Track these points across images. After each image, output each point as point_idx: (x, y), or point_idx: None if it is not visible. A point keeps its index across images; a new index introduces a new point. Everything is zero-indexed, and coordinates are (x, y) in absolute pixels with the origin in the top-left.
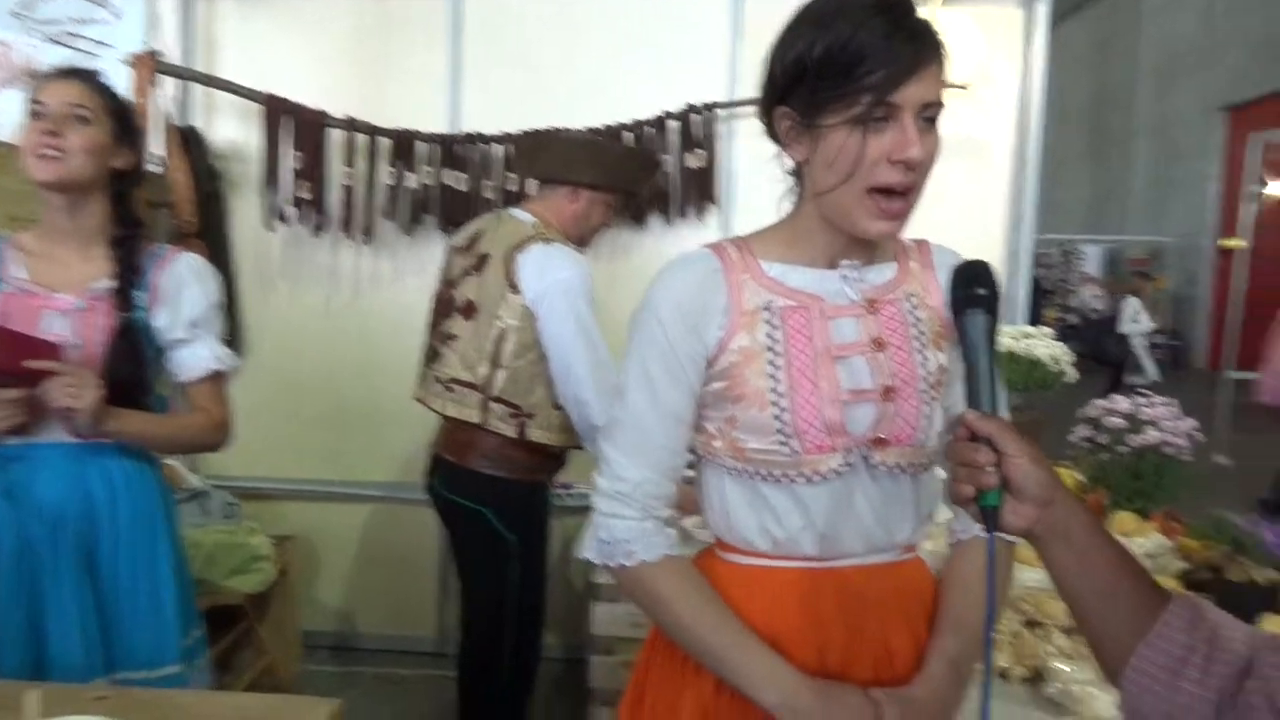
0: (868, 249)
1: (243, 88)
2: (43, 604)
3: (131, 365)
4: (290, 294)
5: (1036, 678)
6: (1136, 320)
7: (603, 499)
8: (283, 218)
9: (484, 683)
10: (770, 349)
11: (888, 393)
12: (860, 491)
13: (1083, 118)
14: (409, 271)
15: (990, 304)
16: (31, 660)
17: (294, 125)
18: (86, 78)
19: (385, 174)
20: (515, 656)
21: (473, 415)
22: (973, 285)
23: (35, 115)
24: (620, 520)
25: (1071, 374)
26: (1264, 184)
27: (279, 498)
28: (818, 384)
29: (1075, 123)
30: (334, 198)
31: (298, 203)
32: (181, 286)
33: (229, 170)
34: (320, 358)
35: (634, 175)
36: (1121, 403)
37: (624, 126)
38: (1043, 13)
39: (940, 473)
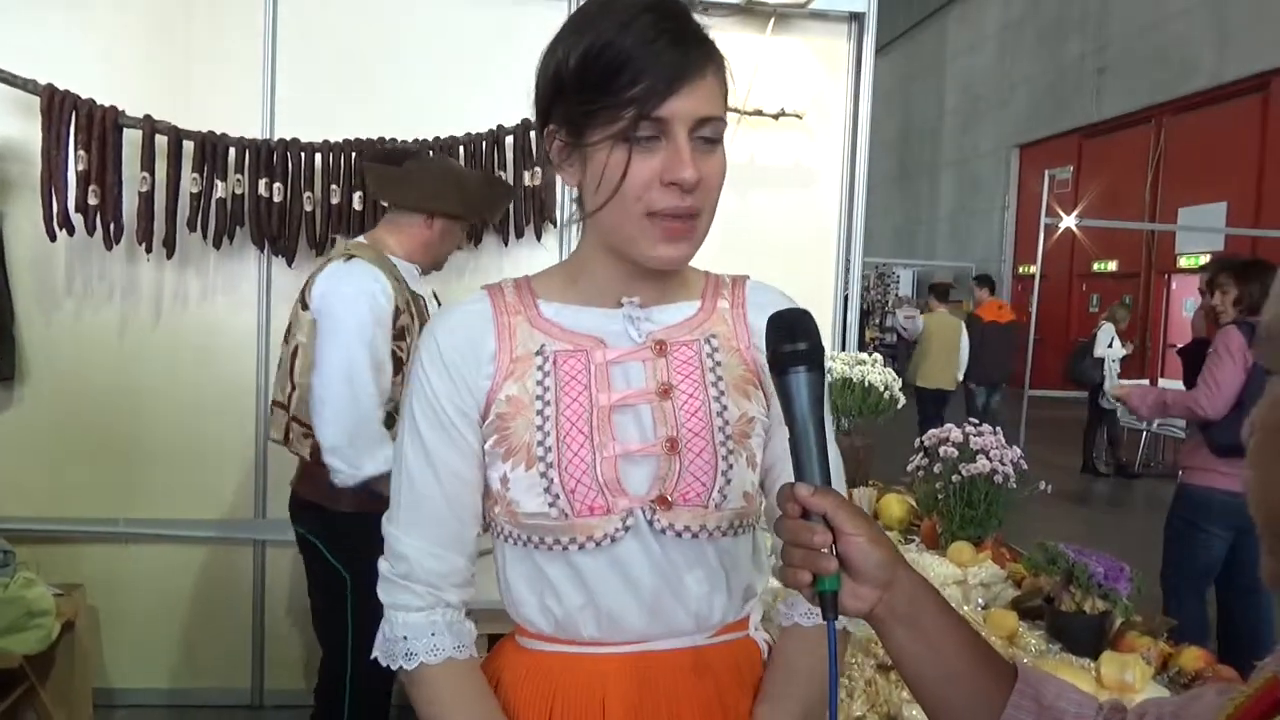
0: (661, 285)
1: (15, 76)
2: None
3: None
4: (77, 312)
5: None
6: (1112, 345)
7: (385, 587)
8: (67, 226)
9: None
10: (540, 398)
11: (672, 445)
12: (647, 561)
13: (891, 149)
14: (219, 289)
15: (814, 359)
16: None
17: (81, 121)
18: None
19: (190, 180)
20: (357, 702)
21: (277, 434)
22: (791, 339)
23: None
24: (404, 612)
25: (901, 399)
26: (1055, 216)
27: (65, 541)
28: (591, 437)
29: (885, 153)
30: (131, 206)
31: (84, 209)
32: None
33: (3, 171)
34: (115, 384)
35: (493, 203)
36: (954, 432)
37: (456, 140)
38: (869, 44)
39: (762, 539)
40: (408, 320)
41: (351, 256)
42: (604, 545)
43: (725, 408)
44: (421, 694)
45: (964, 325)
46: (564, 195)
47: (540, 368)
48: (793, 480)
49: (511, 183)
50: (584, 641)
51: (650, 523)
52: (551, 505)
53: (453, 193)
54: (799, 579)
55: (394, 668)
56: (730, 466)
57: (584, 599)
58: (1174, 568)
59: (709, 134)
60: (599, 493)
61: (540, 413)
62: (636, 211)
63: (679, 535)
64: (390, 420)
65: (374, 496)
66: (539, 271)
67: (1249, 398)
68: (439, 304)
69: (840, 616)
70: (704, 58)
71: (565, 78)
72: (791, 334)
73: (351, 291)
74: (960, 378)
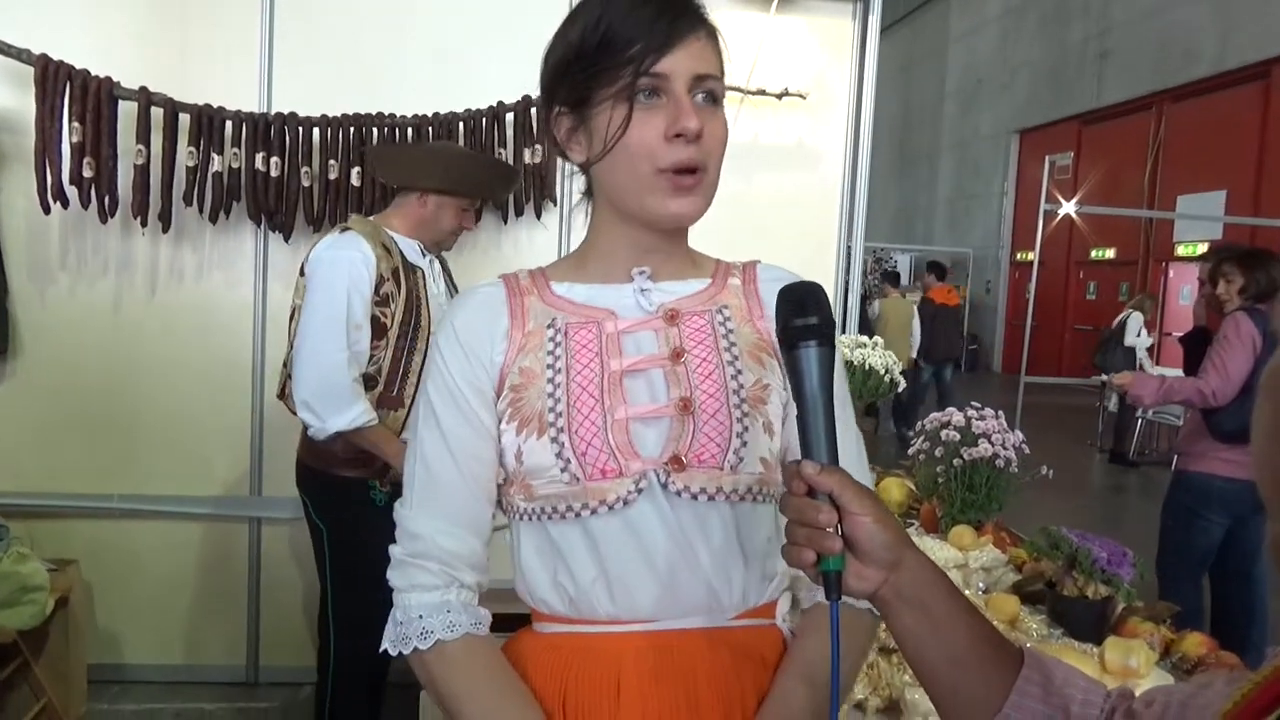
0: (672, 260)
1: (9, 46)
2: None
3: None
4: (72, 287)
5: (893, 708)
6: (1140, 335)
7: (397, 570)
8: (61, 199)
9: (320, 687)
10: (550, 366)
11: (685, 405)
12: (661, 525)
13: (891, 133)
14: (215, 264)
15: (824, 333)
16: None
17: (76, 93)
18: None
19: (186, 154)
20: (340, 665)
21: (278, 389)
22: (801, 313)
23: None
24: (418, 593)
25: (901, 382)
26: (1054, 202)
27: (60, 516)
28: (601, 400)
29: (885, 137)
30: (126, 179)
31: (79, 182)
32: None
33: None
34: (110, 359)
35: (481, 180)
36: (956, 416)
37: (456, 116)
38: (874, 24)
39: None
40: (393, 288)
41: (347, 228)
42: (617, 509)
43: (740, 372)
44: (442, 672)
45: (916, 308)
46: (564, 173)
47: (551, 339)
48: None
49: (511, 160)
50: (599, 620)
51: (664, 485)
52: (564, 470)
53: (437, 170)
54: (802, 557)
55: (407, 652)
56: (746, 429)
57: (597, 570)
58: (1171, 554)
59: (708, 91)
60: (610, 455)
61: (551, 380)
62: (645, 170)
63: (694, 497)
64: (370, 382)
65: (353, 453)
66: (552, 262)
67: (1256, 383)
68: (450, 278)
69: (846, 598)
70: (695, 20)
71: (567, 58)
72: (802, 308)
73: (332, 256)
74: (913, 355)
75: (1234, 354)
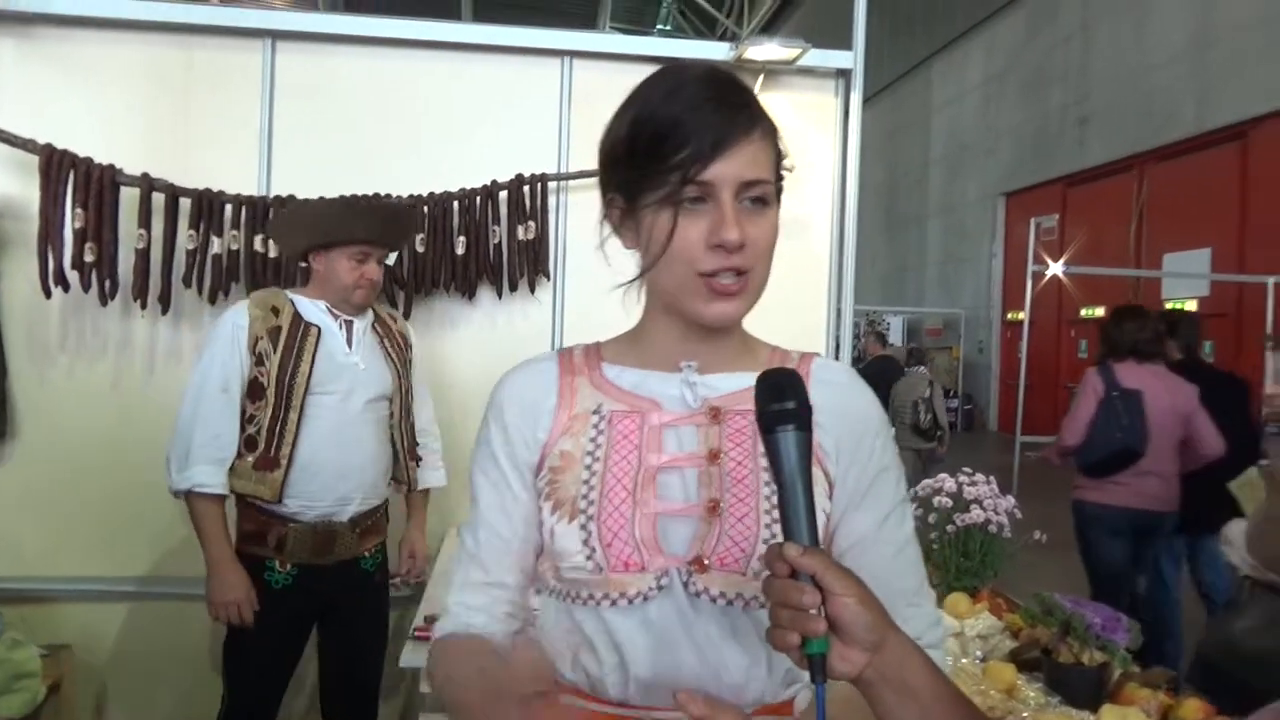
0: (721, 351)
1: (15, 136)
2: None
3: None
4: (70, 368)
5: None
6: None
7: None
8: (63, 283)
9: None
10: (590, 453)
11: (713, 507)
12: (680, 625)
13: (878, 198)
14: None
15: (800, 418)
16: None
17: (79, 180)
18: None
19: (186, 237)
20: None
21: None
22: (779, 398)
23: None
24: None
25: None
26: (1041, 263)
27: (53, 600)
28: (633, 494)
29: (872, 202)
30: (127, 262)
31: (80, 266)
32: None
33: (1, 229)
34: (107, 439)
35: (347, 225)
36: (948, 482)
37: (450, 195)
38: (856, 100)
39: None
40: (267, 347)
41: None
42: (636, 603)
43: None
44: (432, 659)
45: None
46: (558, 249)
47: (595, 425)
48: (814, 545)
49: (505, 238)
50: (613, 703)
51: (685, 584)
52: (589, 558)
53: (304, 228)
54: (787, 640)
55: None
56: (774, 535)
57: (616, 659)
58: (1089, 574)
59: (756, 196)
60: (635, 549)
61: (589, 468)
62: (686, 273)
63: (714, 601)
64: (251, 444)
65: (251, 526)
66: (611, 338)
67: (1098, 423)
68: (393, 344)
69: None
70: (749, 122)
71: (618, 147)
72: (779, 393)
73: (214, 323)
74: None
75: (1079, 403)
